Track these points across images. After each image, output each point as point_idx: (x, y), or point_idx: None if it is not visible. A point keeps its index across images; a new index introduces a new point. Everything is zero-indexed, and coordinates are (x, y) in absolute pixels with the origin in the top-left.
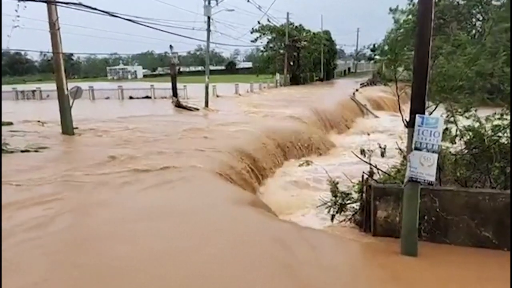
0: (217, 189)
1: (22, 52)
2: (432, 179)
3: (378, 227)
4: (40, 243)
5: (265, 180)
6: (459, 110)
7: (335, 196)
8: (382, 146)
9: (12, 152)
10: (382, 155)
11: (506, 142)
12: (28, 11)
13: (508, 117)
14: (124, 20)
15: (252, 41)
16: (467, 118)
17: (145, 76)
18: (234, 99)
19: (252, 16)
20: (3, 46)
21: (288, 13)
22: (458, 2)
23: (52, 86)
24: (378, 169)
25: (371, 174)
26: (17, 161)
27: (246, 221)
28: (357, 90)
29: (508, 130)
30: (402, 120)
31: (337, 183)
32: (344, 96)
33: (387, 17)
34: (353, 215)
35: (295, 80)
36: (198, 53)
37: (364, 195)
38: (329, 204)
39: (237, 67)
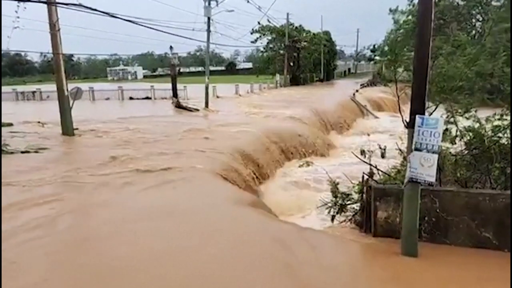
0: (217, 190)
1: (22, 53)
2: (432, 179)
3: (379, 227)
4: (40, 244)
5: (265, 181)
6: (459, 110)
7: (336, 197)
8: (382, 146)
9: (12, 153)
10: (382, 155)
11: (506, 143)
12: (28, 12)
13: (508, 118)
14: (124, 21)
15: (252, 41)
16: (467, 118)
17: (145, 76)
18: (234, 100)
19: (252, 16)
20: (3, 47)
21: (288, 14)
22: (458, 3)
23: (52, 87)
24: (378, 169)
25: (371, 174)
26: (17, 162)
27: (246, 221)
28: (357, 90)
29: (508, 131)
30: (402, 120)
31: (338, 183)
32: (344, 97)
33: (387, 17)
34: (353, 215)
35: (295, 81)
36: (198, 53)
37: (364, 195)
38: (330, 204)
39: (237, 67)
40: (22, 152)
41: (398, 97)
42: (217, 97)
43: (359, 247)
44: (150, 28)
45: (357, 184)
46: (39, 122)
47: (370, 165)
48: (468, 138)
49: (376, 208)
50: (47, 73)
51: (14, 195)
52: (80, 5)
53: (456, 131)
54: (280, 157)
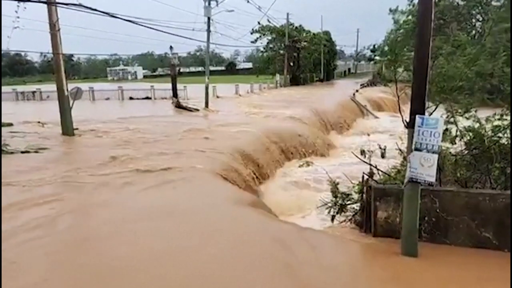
0: (217, 190)
1: (22, 53)
2: (432, 179)
3: (379, 227)
4: (40, 243)
5: (265, 181)
6: (459, 110)
7: (336, 197)
8: (382, 146)
9: (12, 153)
10: (382, 155)
11: (506, 143)
12: (28, 12)
13: (508, 118)
14: (124, 21)
15: (252, 41)
16: (467, 118)
17: (145, 76)
18: (234, 100)
19: (252, 16)
20: (3, 47)
21: (288, 14)
22: (458, 3)
23: (52, 87)
24: (378, 169)
25: (371, 174)
26: (17, 162)
27: (246, 221)
28: (357, 90)
29: (508, 131)
30: (402, 120)
31: (338, 183)
32: (344, 97)
33: (387, 17)
34: (353, 215)
35: (295, 81)
36: (198, 53)
37: (364, 195)
38: (330, 204)
39: (237, 67)
40: (22, 152)
41: (398, 97)
42: (217, 97)
43: (359, 247)
44: (150, 28)
45: (357, 184)
46: (39, 122)
47: (370, 165)
48: (468, 138)
49: (376, 208)
50: (47, 73)
51: (14, 195)
52: (80, 5)
53: (456, 131)
54: (280, 157)
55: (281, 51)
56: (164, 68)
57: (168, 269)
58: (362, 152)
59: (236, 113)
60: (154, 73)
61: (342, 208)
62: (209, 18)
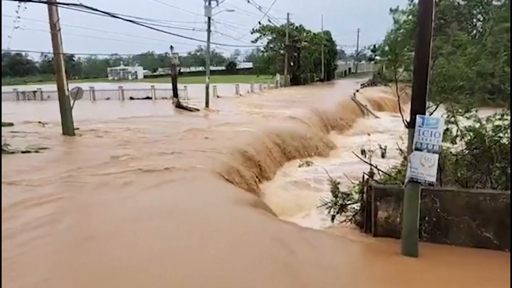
0: (217, 190)
1: (23, 53)
2: (433, 179)
3: (379, 227)
4: (40, 243)
5: (266, 181)
6: (460, 110)
7: (336, 197)
8: (383, 146)
9: (13, 152)
10: (383, 155)
11: (507, 143)
12: (28, 12)
13: (509, 118)
14: (124, 21)
15: (252, 41)
16: (468, 118)
17: (145, 76)
18: (235, 100)
19: (253, 16)
20: (4, 47)
21: (288, 14)
22: (458, 3)
23: (53, 87)
24: (378, 169)
25: (371, 174)
26: (17, 161)
27: (246, 221)
28: (357, 90)
29: (509, 131)
30: (403, 120)
31: (338, 183)
32: (344, 97)
33: (387, 17)
34: (353, 215)
35: (295, 81)
36: (198, 53)
37: (364, 195)
38: (330, 204)
39: (237, 67)
40: (23, 152)
41: (399, 97)
42: (218, 97)
43: (359, 247)
44: (151, 28)
45: (358, 184)
46: (39, 122)
47: (371, 165)
48: (469, 138)
49: (377, 208)
50: (47, 73)
51: (14, 195)
52: (80, 5)
53: (457, 131)
54: (281, 157)
55: (282, 51)
56: (165, 68)
57: (168, 269)
58: (363, 152)
59: (237, 113)
60: (155, 73)
61: (342, 208)
62: (209, 18)
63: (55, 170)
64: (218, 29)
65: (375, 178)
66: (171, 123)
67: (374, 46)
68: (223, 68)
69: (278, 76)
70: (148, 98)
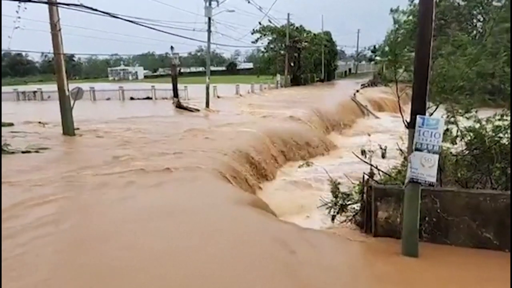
0: (217, 190)
1: (23, 53)
2: (433, 180)
3: (379, 227)
4: (41, 243)
5: (266, 181)
6: (460, 111)
7: (336, 197)
8: (383, 147)
9: (13, 153)
10: (383, 155)
11: (507, 143)
12: (29, 12)
13: (509, 118)
14: (124, 21)
15: (252, 42)
16: (468, 119)
17: (146, 77)
18: (235, 100)
19: (253, 17)
20: (4, 47)
21: (288, 14)
22: (458, 3)
23: (53, 87)
24: (378, 169)
25: (371, 175)
26: (18, 161)
27: (246, 221)
28: (357, 91)
29: (509, 131)
30: (403, 121)
31: (338, 183)
32: (345, 97)
33: (387, 17)
34: (353, 215)
35: (295, 81)
36: (199, 54)
37: (365, 196)
38: (330, 204)
39: (237, 68)
40: (23, 152)
41: (399, 97)
42: (218, 97)
43: (360, 247)
44: (151, 28)
45: (358, 184)
46: (40, 122)
47: (371, 165)
48: (469, 138)
49: (377, 208)
50: (48, 73)
51: (14, 195)
52: (81, 5)
53: (457, 131)
54: (281, 157)
55: (282, 52)
56: (165, 68)
57: (168, 269)
58: (363, 152)
59: (237, 113)
60: (155, 73)
61: (342, 208)
62: (209, 18)
63: (55, 170)
64: (219, 30)
65: (375, 178)
66: (171, 123)
67: (374, 46)
68: (224, 68)
69: (278, 77)
70: (148, 98)
